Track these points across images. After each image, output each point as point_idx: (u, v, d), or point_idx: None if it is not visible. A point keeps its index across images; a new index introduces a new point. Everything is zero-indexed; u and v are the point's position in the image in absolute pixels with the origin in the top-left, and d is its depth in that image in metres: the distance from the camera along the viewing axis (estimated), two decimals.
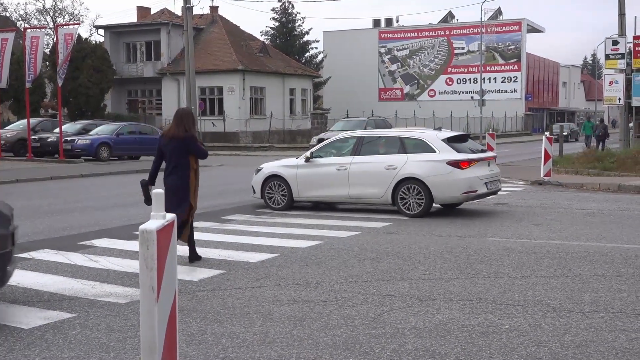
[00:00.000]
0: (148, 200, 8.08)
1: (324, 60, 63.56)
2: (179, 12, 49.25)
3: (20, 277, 7.58)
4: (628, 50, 25.68)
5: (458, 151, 12.21)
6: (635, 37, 26.65)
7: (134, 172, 23.58)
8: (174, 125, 8.17)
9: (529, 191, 16.81)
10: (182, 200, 8.05)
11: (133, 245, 9.41)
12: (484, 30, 54.36)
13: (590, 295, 6.64)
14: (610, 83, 25.42)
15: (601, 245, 9.33)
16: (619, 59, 25.46)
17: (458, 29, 67.23)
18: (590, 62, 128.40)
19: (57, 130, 28.80)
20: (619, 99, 25.24)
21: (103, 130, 29.74)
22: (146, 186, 8.21)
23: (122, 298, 6.72)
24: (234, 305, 6.39)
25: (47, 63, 41.77)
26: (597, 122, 37.57)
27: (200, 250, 9.05)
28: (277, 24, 60.92)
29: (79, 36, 41.01)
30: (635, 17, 36.61)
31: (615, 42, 25.63)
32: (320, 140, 13.26)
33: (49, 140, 29.35)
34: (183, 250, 8.51)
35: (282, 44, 59.00)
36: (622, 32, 26.20)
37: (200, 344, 5.29)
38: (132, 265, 8.09)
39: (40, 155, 28.88)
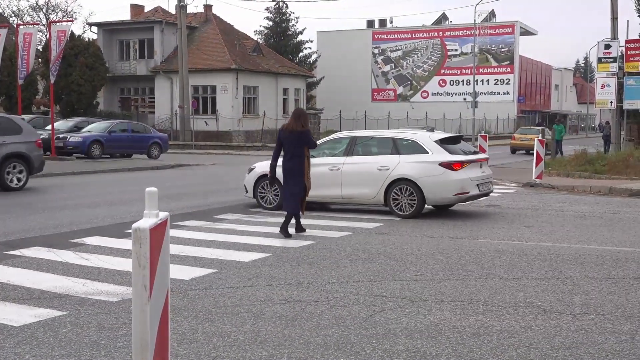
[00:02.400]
0: (272, 180, 10.98)
1: (317, 60, 63.59)
2: (172, 11, 49.21)
3: (11, 275, 7.56)
4: (620, 54, 25.83)
5: (450, 153, 12.24)
6: (627, 41, 26.81)
7: (126, 170, 23.54)
8: (293, 121, 10.25)
9: (521, 193, 16.87)
10: (298, 180, 10.19)
11: (124, 244, 9.39)
12: (477, 32, 54.49)
13: (580, 297, 6.67)
14: (602, 86, 25.55)
15: (592, 247, 9.38)
16: (611, 62, 25.60)
17: (451, 31, 67.42)
18: (582, 65, 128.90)
19: (49, 127, 28.67)
20: (611, 102, 25.38)
21: (95, 127, 29.64)
22: (273, 169, 10.52)
23: (113, 296, 6.70)
24: (225, 305, 6.38)
25: (40, 60, 41.60)
26: (604, 124, 37.59)
27: (192, 249, 9.06)
28: (270, 23, 60.93)
29: (72, 33, 40.90)
30: (628, 21, 36.84)
31: (607, 46, 25.77)
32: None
33: (41, 137, 29.16)
34: (174, 248, 8.50)
35: (275, 43, 59.00)
36: (614, 35, 26.34)
37: (191, 343, 5.28)
38: (123, 264, 8.07)
39: None
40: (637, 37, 28.88)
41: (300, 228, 10.51)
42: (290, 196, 10.28)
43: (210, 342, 5.32)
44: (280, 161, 10.46)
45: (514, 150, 37.39)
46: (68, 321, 5.86)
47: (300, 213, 10.45)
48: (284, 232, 10.19)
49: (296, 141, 10.14)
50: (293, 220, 10.43)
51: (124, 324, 5.72)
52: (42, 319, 5.92)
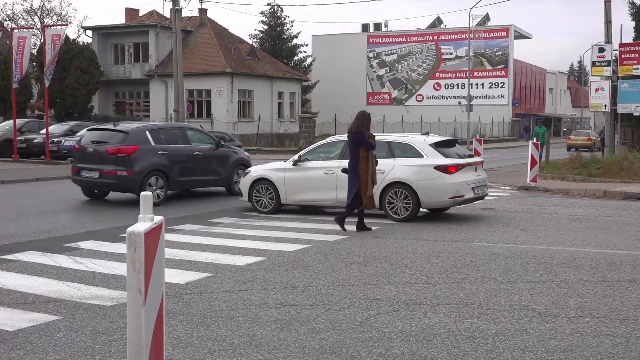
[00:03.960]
0: (345, 170, 11.45)
1: (312, 64, 63.60)
2: (167, 14, 49.13)
3: (5, 279, 7.53)
4: (614, 58, 25.91)
5: (445, 156, 12.26)
6: (621, 45, 26.92)
7: None
8: (353, 123, 11.03)
9: (516, 196, 16.90)
10: (355, 178, 10.87)
11: (119, 248, 9.38)
12: (472, 36, 54.61)
13: (575, 300, 6.68)
14: (596, 90, 25.63)
15: (587, 250, 9.39)
16: (605, 66, 25.69)
17: (446, 35, 67.56)
18: (576, 68, 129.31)
19: (44, 131, 28.62)
20: (605, 105, 25.46)
21: None
22: (345, 170, 11.38)
23: (107, 301, 6.68)
24: (220, 309, 6.37)
25: (35, 64, 41.52)
26: (602, 128, 38.01)
27: (187, 253, 9.05)
28: (265, 27, 60.92)
29: (67, 37, 40.79)
30: (622, 24, 37.05)
31: (601, 50, 25.85)
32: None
33: (35, 141, 29.17)
34: (169, 252, 8.48)
35: (270, 47, 59.00)
36: (608, 39, 26.43)
37: (186, 347, 5.27)
38: (118, 268, 8.06)
39: (27, 156, 28.69)
40: (631, 41, 28.99)
41: (362, 226, 11.10)
42: (349, 193, 11.01)
43: (205, 346, 5.31)
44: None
45: (569, 148, 46.40)
46: (62, 326, 5.84)
47: (360, 210, 11.13)
48: (340, 224, 11.02)
49: (353, 141, 10.88)
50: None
51: (119, 329, 5.70)
52: (37, 323, 5.90)
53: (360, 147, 10.83)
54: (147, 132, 14.79)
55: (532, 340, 5.44)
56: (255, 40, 60.20)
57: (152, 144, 14.61)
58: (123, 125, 15.12)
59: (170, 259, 8.37)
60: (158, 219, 3.35)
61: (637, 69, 24.84)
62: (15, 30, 30.48)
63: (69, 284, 7.33)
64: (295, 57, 61.91)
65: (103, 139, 14.90)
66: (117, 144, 14.38)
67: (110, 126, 15.32)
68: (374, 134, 11.28)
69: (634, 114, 25.78)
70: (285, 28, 61.06)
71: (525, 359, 5.03)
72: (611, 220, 12.58)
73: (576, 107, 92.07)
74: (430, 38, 68.13)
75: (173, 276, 7.61)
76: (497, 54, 65.84)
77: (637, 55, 25.09)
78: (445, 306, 6.45)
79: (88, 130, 16.31)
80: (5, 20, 59.74)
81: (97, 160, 14.40)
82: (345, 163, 12.65)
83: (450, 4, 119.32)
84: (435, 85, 67.64)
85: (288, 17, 69.80)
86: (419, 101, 67.90)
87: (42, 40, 36.61)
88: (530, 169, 18.56)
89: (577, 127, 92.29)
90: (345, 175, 12.57)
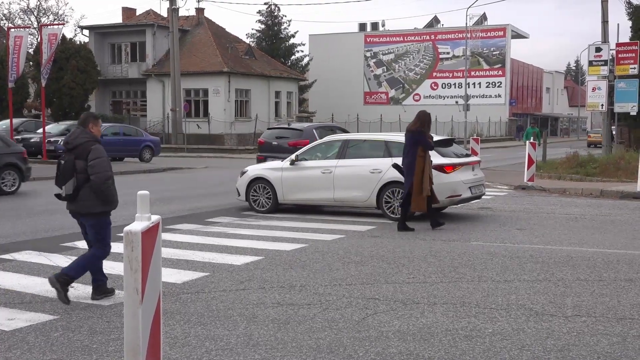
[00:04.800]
0: (400, 169, 11.48)
1: (309, 63, 63.58)
2: (164, 14, 49.14)
3: (1, 279, 7.52)
4: (611, 57, 25.92)
5: (442, 155, 12.25)
6: (618, 44, 26.91)
7: (117, 174, 23.39)
8: (413, 122, 11.16)
9: (513, 196, 16.91)
10: (409, 176, 10.97)
11: (116, 247, 9.34)
12: (469, 35, 54.65)
13: (572, 299, 6.69)
14: (593, 89, 25.62)
15: (583, 250, 9.41)
16: (601, 65, 25.69)
17: (443, 34, 67.57)
18: (573, 68, 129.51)
19: (41, 130, 28.58)
20: (602, 105, 25.45)
21: None
22: (396, 166, 11.54)
23: (104, 300, 6.67)
24: (217, 308, 6.37)
25: (31, 63, 41.44)
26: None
27: (184, 253, 9.04)
28: (263, 26, 60.89)
29: (63, 36, 40.73)
30: (618, 24, 37.10)
31: (598, 49, 25.86)
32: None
33: (32, 140, 29.10)
34: (166, 252, 8.47)
35: (267, 46, 58.97)
36: (605, 39, 26.46)
37: (183, 347, 5.27)
38: (114, 267, 8.04)
39: None
40: (628, 40, 29.02)
41: (436, 223, 11.24)
42: (405, 192, 11.12)
43: (202, 345, 5.30)
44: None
45: (589, 144, 49.45)
46: (59, 325, 5.83)
47: (424, 211, 11.25)
48: (404, 229, 10.99)
49: (411, 140, 11.01)
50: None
51: (116, 328, 5.70)
52: (34, 323, 5.90)
53: (419, 146, 10.94)
54: (314, 130, 19.26)
55: (529, 340, 5.44)
56: (252, 39, 60.17)
57: (317, 138, 17.34)
58: (297, 125, 21.19)
59: (167, 259, 8.36)
60: (155, 218, 3.35)
61: (634, 68, 24.84)
62: (12, 30, 30.40)
63: None
64: (293, 57, 61.89)
65: (283, 135, 19.65)
66: (295, 139, 18.67)
67: (286, 125, 21.78)
68: (432, 135, 11.47)
69: (631, 114, 25.79)
70: (282, 27, 61.04)
71: (523, 358, 5.04)
72: (608, 219, 12.60)
73: (573, 107, 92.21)
74: (428, 37, 68.14)
75: (170, 275, 7.61)
76: (494, 53, 65.88)
77: (633, 54, 25.10)
78: (443, 305, 6.46)
79: (268, 129, 22.52)
80: (2, 20, 59.66)
81: (281, 151, 18.11)
82: (342, 162, 12.68)
83: (447, 4, 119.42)
84: (433, 84, 67.66)
85: (285, 16, 69.96)
86: (416, 101, 67.86)
87: (38, 39, 36.54)
88: (527, 169, 18.58)
89: (574, 126, 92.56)
90: (342, 175, 12.60)
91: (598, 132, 55.59)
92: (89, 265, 6.73)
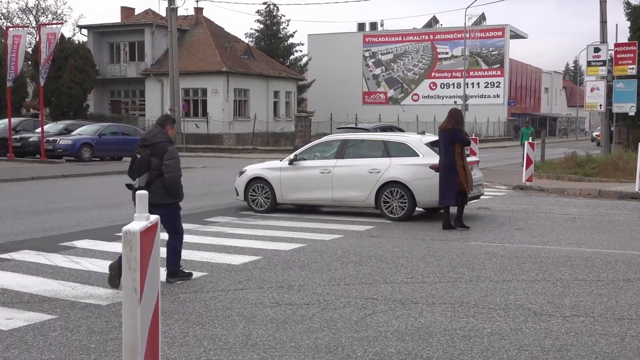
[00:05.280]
0: (436, 167, 11.53)
1: (308, 63, 63.58)
2: (163, 13, 49.12)
3: (0, 278, 7.51)
4: (609, 57, 25.94)
5: None
6: (616, 45, 26.94)
7: (115, 173, 23.43)
8: (447, 120, 11.17)
9: (511, 196, 16.92)
10: (451, 175, 11.01)
11: (114, 247, 9.36)
12: (467, 35, 54.68)
13: (570, 299, 6.69)
14: (591, 90, 25.63)
15: (582, 250, 9.41)
16: (600, 65, 25.70)
17: (442, 34, 67.61)
18: (572, 68, 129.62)
19: (39, 130, 28.54)
20: (600, 105, 25.47)
21: (85, 130, 29.53)
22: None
23: (103, 300, 6.67)
24: (216, 308, 6.37)
25: (30, 62, 41.39)
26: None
27: (182, 252, 9.02)
28: (261, 26, 60.88)
29: (62, 36, 40.65)
30: (617, 24, 37.11)
31: (596, 49, 25.87)
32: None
33: (31, 140, 29.10)
34: (164, 251, 8.46)
35: (266, 46, 58.96)
36: (603, 39, 26.47)
37: (182, 347, 5.26)
38: None
39: (22, 155, 28.62)
40: (626, 41, 29.04)
41: (460, 223, 11.21)
42: (444, 190, 11.12)
43: (201, 345, 5.30)
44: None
45: (598, 143, 49.49)
46: (58, 325, 5.83)
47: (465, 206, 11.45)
48: (446, 226, 11.10)
49: (448, 138, 11.03)
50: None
51: (114, 328, 5.70)
52: (32, 322, 5.89)
53: (456, 143, 11.01)
54: (378, 130, 19.98)
55: (528, 340, 5.44)
56: (251, 39, 60.16)
57: None
58: (363, 125, 23.32)
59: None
60: (153, 217, 3.35)
61: (632, 68, 24.86)
62: (10, 29, 30.38)
63: (64, 283, 7.32)
64: (291, 56, 61.90)
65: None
66: None
67: (353, 125, 23.88)
68: (465, 131, 11.63)
69: (629, 114, 25.81)
70: (281, 27, 61.05)
71: (521, 358, 5.04)
72: (606, 219, 12.61)
73: (571, 107, 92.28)
74: (426, 37, 68.16)
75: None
76: (492, 53, 65.92)
77: (632, 55, 25.11)
78: (441, 305, 6.46)
79: (338, 128, 24.13)
80: (0, 19, 59.57)
81: None
82: (341, 162, 12.67)
83: (446, 4, 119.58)
84: (431, 84, 67.69)
85: (284, 16, 70.06)
86: (415, 100, 67.93)
87: (37, 39, 36.50)
88: (526, 169, 18.59)
89: (572, 126, 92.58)
90: (341, 175, 12.60)
91: None
92: (178, 251, 7.56)
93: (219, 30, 51.45)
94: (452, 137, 11.03)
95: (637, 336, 5.56)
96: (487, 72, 65.94)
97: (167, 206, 7.40)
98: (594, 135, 65.68)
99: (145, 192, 3.39)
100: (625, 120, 29.80)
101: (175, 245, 7.53)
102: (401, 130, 20.61)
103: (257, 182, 13.39)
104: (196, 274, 7.78)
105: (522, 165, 23.37)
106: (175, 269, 7.50)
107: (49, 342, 5.39)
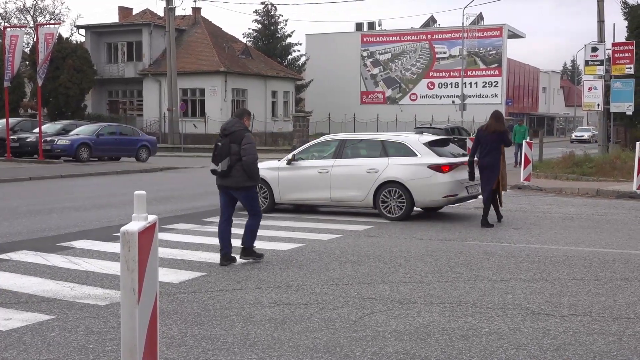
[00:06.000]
0: (472, 176, 11.86)
1: (306, 63, 63.59)
2: (161, 13, 49.10)
3: None
4: (607, 57, 25.97)
5: (439, 155, 12.27)
6: (614, 44, 26.97)
7: (114, 173, 23.43)
8: (494, 122, 11.60)
9: (509, 195, 16.92)
10: (493, 174, 11.47)
11: (113, 247, 9.35)
12: (465, 35, 54.73)
13: (568, 299, 6.70)
14: (589, 89, 25.66)
15: (580, 249, 9.43)
16: (598, 65, 25.73)
17: (440, 34, 67.64)
18: (569, 68, 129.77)
19: (37, 130, 28.51)
20: (598, 105, 25.50)
21: (83, 130, 29.49)
22: (472, 164, 11.80)
23: (101, 300, 6.67)
24: (214, 308, 6.37)
25: (27, 62, 41.36)
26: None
27: (180, 253, 9.03)
28: (259, 26, 60.88)
29: (60, 36, 40.66)
30: (614, 24, 37.16)
31: (594, 49, 25.90)
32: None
33: (28, 140, 29.05)
34: (163, 252, 8.45)
35: (264, 46, 58.95)
36: (601, 38, 26.50)
37: (180, 347, 5.26)
38: (111, 267, 8.04)
39: (19, 155, 28.58)
40: (624, 40, 29.07)
41: (486, 223, 11.44)
42: (486, 189, 11.53)
43: (199, 345, 5.30)
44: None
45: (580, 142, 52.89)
46: (56, 325, 5.83)
47: (499, 206, 11.94)
48: (484, 224, 11.38)
49: (496, 140, 11.48)
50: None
51: (113, 328, 5.69)
52: (30, 323, 5.89)
53: (502, 144, 11.56)
54: (449, 129, 22.20)
55: (526, 339, 5.45)
56: (249, 39, 60.16)
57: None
58: (438, 125, 23.99)
59: (164, 258, 8.36)
60: (152, 218, 3.34)
61: (630, 68, 24.89)
62: (8, 29, 30.35)
63: (63, 284, 7.31)
64: (289, 56, 61.92)
65: None
66: None
67: (428, 126, 25.02)
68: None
69: (627, 113, 25.84)
70: (279, 27, 61.05)
71: (519, 357, 5.05)
72: (604, 219, 12.63)
73: (569, 106, 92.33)
74: (424, 37, 68.19)
75: (167, 275, 7.61)
76: (490, 53, 65.97)
77: (629, 54, 25.14)
78: (439, 305, 6.46)
79: (415, 128, 25.55)
80: None
81: None
82: (339, 162, 12.67)
83: (443, 3, 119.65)
84: (429, 84, 67.73)
85: (282, 16, 69.96)
86: (413, 100, 67.96)
87: (35, 39, 36.48)
88: (524, 168, 18.60)
89: (569, 126, 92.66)
90: (339, 174, 12.60)
91: None
92: (254, 231, 8.49)
93: (216, 30, 51.46)
94: (502, 139, 11.54)
95: (635, 335, 5.57)
96: (484, 72, 65.99)
97: (247, 189, 8.31)
98: (573, 136, 64.89)
99: (143, 192, 3.39)
100: (623, 120, 29.83)
101: (253, 226, 8.39)
102: (466, 131, 21.18)
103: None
104: (194, 274, 7.78)
105: (518, 164, 23.39)
106: (250, 248, 8.38)
107: (47, 342, 5.38)
